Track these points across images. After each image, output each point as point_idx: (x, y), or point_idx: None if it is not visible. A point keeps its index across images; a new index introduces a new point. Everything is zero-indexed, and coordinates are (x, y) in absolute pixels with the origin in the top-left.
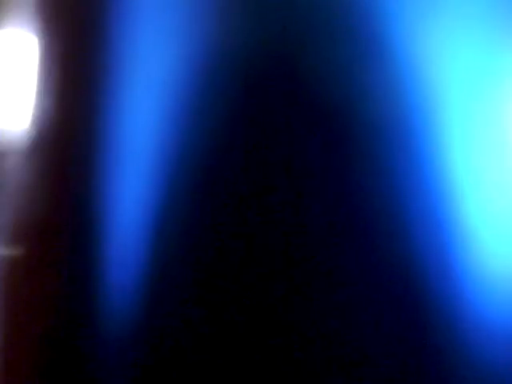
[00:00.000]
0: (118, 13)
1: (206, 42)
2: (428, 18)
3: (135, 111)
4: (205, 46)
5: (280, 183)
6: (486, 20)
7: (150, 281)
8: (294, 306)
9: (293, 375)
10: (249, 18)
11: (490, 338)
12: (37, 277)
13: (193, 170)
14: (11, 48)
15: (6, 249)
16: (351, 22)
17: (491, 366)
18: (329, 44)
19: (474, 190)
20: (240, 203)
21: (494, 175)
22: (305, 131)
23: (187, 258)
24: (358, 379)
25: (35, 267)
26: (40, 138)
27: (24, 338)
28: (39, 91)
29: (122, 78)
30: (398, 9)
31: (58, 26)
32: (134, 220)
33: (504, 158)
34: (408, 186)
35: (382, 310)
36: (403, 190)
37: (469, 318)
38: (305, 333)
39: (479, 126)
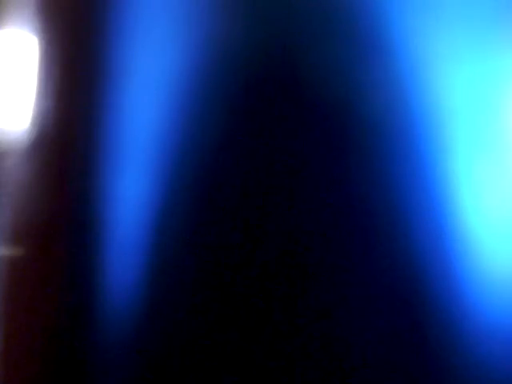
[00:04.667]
0: (118, 13)
1: (206, 43)
2: (429, 18)
3: (135, 111)
4: (205, 46)
5: (280, 183)
6: (488, 20)
7: (151, 280)
8: (295, 307)
9: (293, 375)
10: (249, 19)
11: (489, 338)
12: (37, 277)
13: (193, 171)
14: (11, 48)
15: (5, 249)
16: (352, 23)
17: (491, 366)
18: (330, 45)
19: (473, 191)
20: (240, 203)
21: (493, 176)
22: (306, 131)
23: (187, 259)
24: (359, 379)
25: (35, 267)
26: (40, 138)
27: (24, 338)
28: (39, 91)
29: (122, 78)
30: (399, 9)
31: (58, 26)
32: (134, 219)
33: (504, 158)
34: (408, 187)
35: (381, 310)
36: (403, 190)
37: (469, 318)
38: (305, 333)
39: (480, 126)
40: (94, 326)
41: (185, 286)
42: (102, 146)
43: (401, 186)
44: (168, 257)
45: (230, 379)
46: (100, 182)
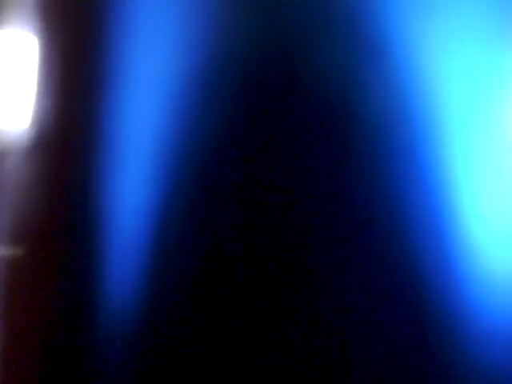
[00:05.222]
0: (118, 13)
1: (207, 43)
2: (429, 17)
3: (135, 111)
4: (206, 46)
5: (280, 184)
6: (486, 19)
7: (150, 280)
8: (294, 308)
9: (293, 376)
10: (249, 20)
11: (489, 339)
12: (37, 277)
13: (193, 172)
14: (11, 48)
15: (5, 249)
16: (352, 23)
17: (491, 367)
18: (331, 45)
19: (473, 192)
20: (240, 205)
21: (493, 177)
22: (305, 132)
23: (187, 259)
24: (360, 379)
25: (35, 267)
26: (40, 138)
27: (24, 338)
28: (39, 91)
29: (121, 78)
30: (400, 10)
31: (58, 26)
32: (134, 220)
33: (504, 159)
34: (408, 188)
35: (382, 311)
36: (403, 192)
37: (468, 320)
38: (305, 333)
39: (479, 127)
40: (94, 326)
41: (184, 287)
42: (102, 145)
43: (401, 187)
44: (168, 255)
45: (230, 379)
46: (100, 182)
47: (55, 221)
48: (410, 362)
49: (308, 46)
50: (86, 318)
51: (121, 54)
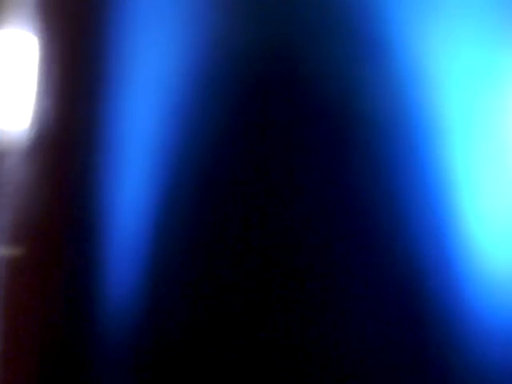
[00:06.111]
0: (118, 13)
1: (206, 42)
2: (428, 17)
3: (135, 111)
4: (206, 46)
5: (280, 183)
6: (487, 19)
7: (150, 280)
8: (294, 307)
9: (293, 375)
10: (249, 19)
11: (489, 339)
12: (37, 277)
13: (193, 172)
14: (11, 48)
15: (6, 249)
16: (352, 22)
17: (491, 367)
18: (330, 44)
19: (473, 192)
20: (240, 206)
21: (493, 177)
22: (305, 131)
23: (187, 259)
24: (359, 380)
25: (35, 267)
26: (40, 138)
27: (24, 338)
28: (39, 91)
29: (121, 78)
30: (399, 8)
31: (58, 26)
32: (134, 220)
33: (504, 159)
34: (407, 188)
35: (381, 311)
36: (402, 191)
37: (468, 320)
38: (304, 332)
39: (479, 126)
40: (94, 326)
41: (184, 287)
42: (102, 145)
43: (401, 186)
44: (168, 256)
45: (230, 379)
46: (100, 182)
47: (55, 221)
48: (409, 362)
49: (308, 46)
50: (86, 318)
51: (121, 53)
